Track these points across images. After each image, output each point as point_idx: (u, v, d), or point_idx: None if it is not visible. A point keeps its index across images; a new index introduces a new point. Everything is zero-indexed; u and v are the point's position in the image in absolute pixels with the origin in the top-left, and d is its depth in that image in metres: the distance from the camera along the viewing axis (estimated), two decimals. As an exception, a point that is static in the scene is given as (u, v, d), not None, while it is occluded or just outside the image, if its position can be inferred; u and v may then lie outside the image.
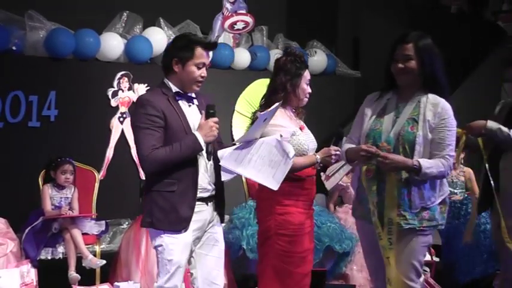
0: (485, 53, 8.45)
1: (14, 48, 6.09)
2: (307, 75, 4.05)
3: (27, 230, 5.24)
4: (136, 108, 3.62)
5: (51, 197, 5.49)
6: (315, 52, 8.01)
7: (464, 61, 8.13)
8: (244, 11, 7.05)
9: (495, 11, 9.17)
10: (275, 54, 7.57)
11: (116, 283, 5.01)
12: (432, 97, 3.52)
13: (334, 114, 8.04)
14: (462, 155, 5.77)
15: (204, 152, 3.63)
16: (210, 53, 3.89)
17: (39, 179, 5.66)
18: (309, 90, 4.07)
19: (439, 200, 3.57)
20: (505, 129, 3.93)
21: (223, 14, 7.04)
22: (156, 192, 3.59)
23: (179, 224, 3.58)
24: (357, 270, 5.70)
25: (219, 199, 3.79)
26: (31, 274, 4.89)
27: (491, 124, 3.97)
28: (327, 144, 3.94)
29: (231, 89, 7.20)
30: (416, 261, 3.55)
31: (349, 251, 5.54)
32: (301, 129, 3.95)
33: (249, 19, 7.01)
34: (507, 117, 4.06)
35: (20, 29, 6.15)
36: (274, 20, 8.10)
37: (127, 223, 6.39)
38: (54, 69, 6.25)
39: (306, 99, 4.08)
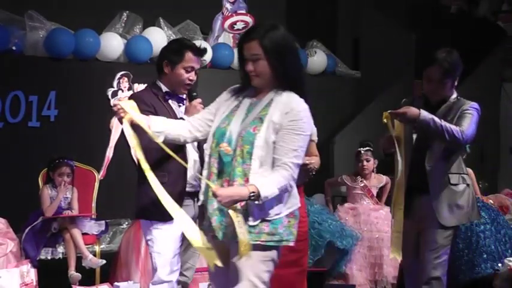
0: (485, 53, 8.46)
1: (14, 48, 6.09)
2: None
3: (27, 230, 5.24)
4: None
5: (50, 197, 5.49)
6: (315, 52, 8.01)
7: (464, 61, 8.13)
8: (244, 11, 7.06)
9: (495, 11, 9.18)
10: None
11: (115, 283, 5.01)
12: (286, 95, 3.06)
13: (334, 114, 8.04)
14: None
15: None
16: (207, 57, 3.98)
17: (39, 179, 5.66)
18: None
19: (286, 213, 3.08)
20: (437, 119, 3.84)
21: (223, 14, 7.05)
22: (148, 185, 3.64)
23: (169, 215, 3.65)
24: (357, 270, 5.71)
25: None
26: (31, 274, 4.89)
27: (425, 114, 3.83)
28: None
29: (231, 89, 7.20)
30: (255, 278, 3.06)
31: (349, 248, 5.56)
32: None
33: (248, 19, 7.02)
34: None
35: (20, 29, 6.16)
36: (274, 20, 8.09)
37: (127, 223, 6.39)
38: (54, 69, 6.25)
39: None
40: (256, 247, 3.03)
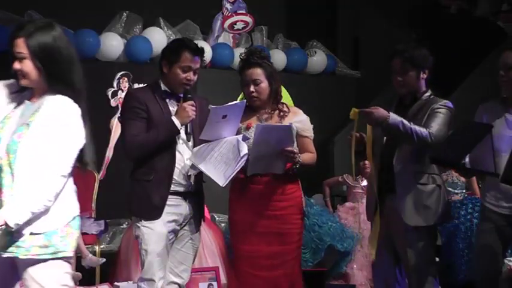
0: (485, 53, 8.45)
1: (13, 48, 6.09)
2: (244, 76, 4.00)
3: (27, 230, 5.24)
4: (123, 103, 3.95)
5: (50, 197, 5.48)
6: (315, 52, 8.01)
7: (464, 61, 8.14)
8: (243, 11, 7.07)
9: (495, 11, 9.17)
10: (275, 54, 7.60)
11: (115, 283, 5.01)
12: (53, 101, 2.86)
13: (334, 114, 8.04)
14: None
15: (183, 135, 3.75)
16: (207, 57, 3.98)
17: (39, 179, 5.66)
18: (249, 90, 3.99)
19: (62, 223, 2.82)
20: (406, 122, 3.72)
21: (223, 14, 7.06)
22: (135, 181, 3.79)
23: (152, 212, 3.72)
24: (357, 269, 5.71)
25: (198, 197, 3.90)
26: (31, 274, 4.88)
27: (394, 117, 3.71)
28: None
29: (231, 89, 7.17)
30: None
31: (350, 250, 5.56)
32: (247, 127, 3.96)
33: (248, 19, 7.03)
34: (395, 112, 3.84)
35: (20, 29, 6.15)
36: (274, 20, 8.10)
37: (127, 223, 6.38)
38: (54, 69, 6.24)
39: (252, 100, 3.99)
40: (30, 262, 2.78)
